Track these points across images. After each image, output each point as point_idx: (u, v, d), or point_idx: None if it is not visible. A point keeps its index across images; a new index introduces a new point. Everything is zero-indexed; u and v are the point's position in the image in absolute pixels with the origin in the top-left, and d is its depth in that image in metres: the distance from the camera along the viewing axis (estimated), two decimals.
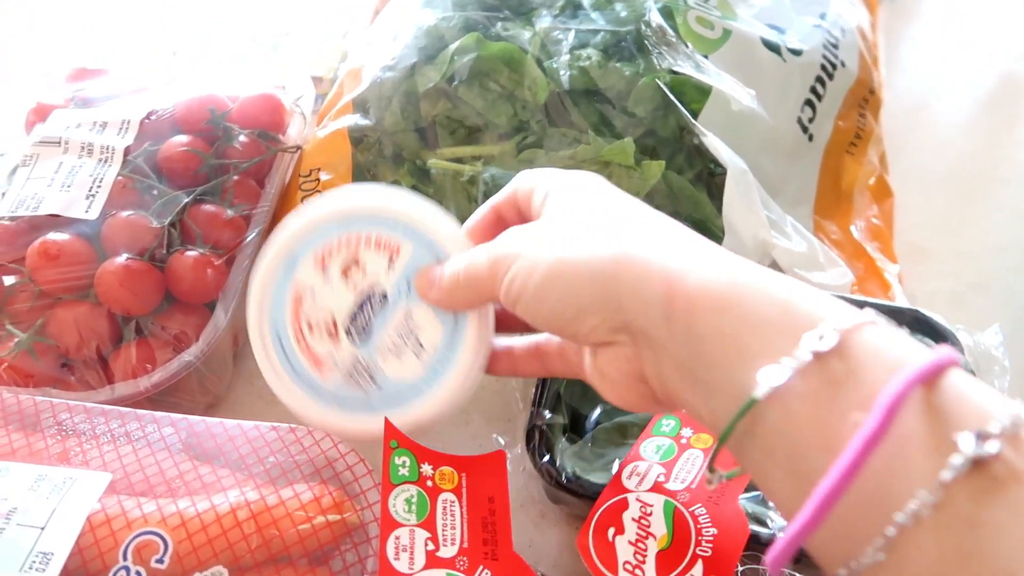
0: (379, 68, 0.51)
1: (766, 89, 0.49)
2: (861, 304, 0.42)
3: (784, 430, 0.22)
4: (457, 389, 0.34)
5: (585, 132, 0.47)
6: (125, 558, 0.32)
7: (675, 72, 0.47)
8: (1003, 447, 0.19)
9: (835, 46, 0.54)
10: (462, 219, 0.36)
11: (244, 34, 0.71)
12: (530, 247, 0.29)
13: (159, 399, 0.43)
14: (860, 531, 0.20)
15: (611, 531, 0.34)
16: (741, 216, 0.45)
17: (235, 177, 0.47)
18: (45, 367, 0.41)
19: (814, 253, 0.46)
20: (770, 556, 0.21)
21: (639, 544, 0.33)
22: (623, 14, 0.49)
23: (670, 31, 0.48)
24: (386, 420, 0.36)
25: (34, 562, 0.31)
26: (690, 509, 0.34)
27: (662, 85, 0.46)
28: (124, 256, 0.43)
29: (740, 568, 0.33)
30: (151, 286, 0.43)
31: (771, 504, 0.34)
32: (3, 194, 0.46)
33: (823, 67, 0.52)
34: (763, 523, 0.35)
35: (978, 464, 0.19)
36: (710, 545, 0.33)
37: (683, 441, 0.37)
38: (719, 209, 0.45)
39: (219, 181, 0.47)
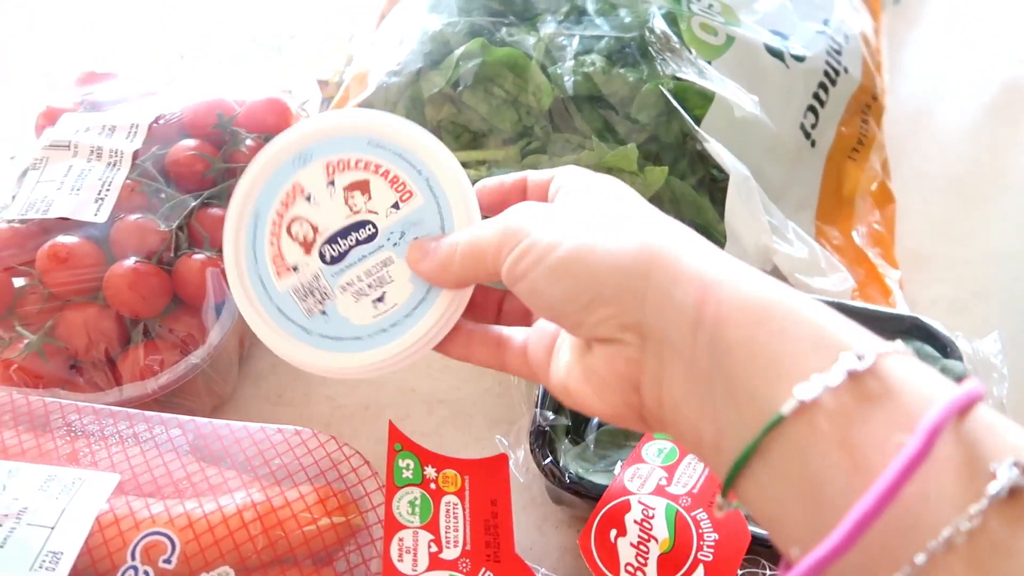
0: (385, 73, 0.51)
1: (769, 95, 0.50)
2: (861, 310, 0.42)
3: (806, 450, 0.21)
4: (395, 359, 0.32)
5: (589, 138, 0.47)
6: (133, 558, 0.32)
7: (678, 78, 0.47)
8: None
9: (838, 52, 0.54)
10: None
11: (245, 34, 0.71)
12: (548, 225, 0.27)
13: (166, 400, 0.44)
14: (887, 557, 0.20)
15: (613, 533, 0.34)
16: (743, 222, 0.45)
17: None
18: (54, 368, 0.42)
19: (815, 258, 0.46)
20: None
21: (641, 547, 0.33)
22: (627, 20, 0.49)
23: (674, 37, 0.48)
24: (390, 423, 0.36)
25: (44, 561, 0.31)
26: (692, 513, 0.34)
27: (665, 91, 0.46)
28: (132, 259, 0.43)
29: (741, 573, 0.34)
30: (159, 289, 0.43)
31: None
32: (13, 197, 0.46)
33: (826, 73, 0.53)
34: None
35: (1013, 493, 0.19)
36: (711, 550, 0.33)
37: None
38: (721, 215, 0.45)
39: (226, 185, 0.47)
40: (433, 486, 0.35)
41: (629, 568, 0.33)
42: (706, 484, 0.35)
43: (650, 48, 0.48)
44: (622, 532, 0.34)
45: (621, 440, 0.41)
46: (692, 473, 0.36)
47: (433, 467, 0.35)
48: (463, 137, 0.50)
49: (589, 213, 0.28)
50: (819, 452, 0.21)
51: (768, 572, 0.34)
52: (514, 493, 0.36)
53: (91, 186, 0.46)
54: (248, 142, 0.49)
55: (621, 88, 0.47)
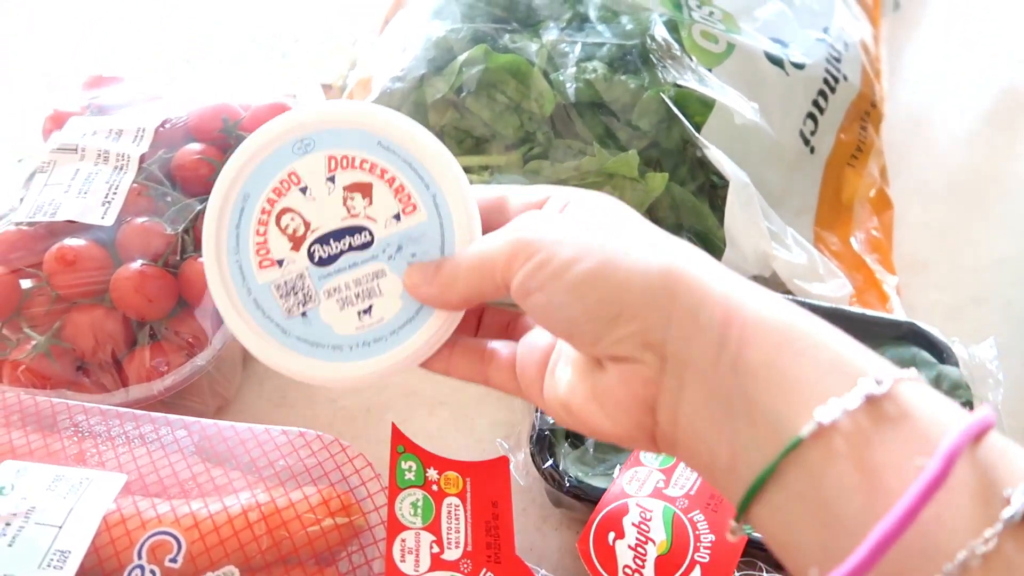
0: (388, 78, 0.52)
1: (769, 102, 0.50)
2: (859, 315, 0.43)
3: (822, 472, 0.21)
4: (374, 375, 0.31)
5: (590, 144, 0.48)
6: (140, 557, 0.33)
7: (679, 85, 0.47)
8: None
9: (838, 60, 0.54)
10: None
11: (245, 35, 0.72)
12: (565, 238, 0.26)
13: (171, 402, 0.44)
14: None
15: (611, 535, 0.34)
16: (743, 228, 0.46)
17: None
18: (61, 370, 0.42)
19: (814, 264, 0.47)
20: None
21: (639, 549, 0.34)
22: (629, 27, 0.50)
23: (675, 45, 0.49)
24: (393, 426, 0.37)
25: (52, 560, 0.32)
26: (689, 515, 0.35)
27: (666, 98, 0.47)
28: (139, 262, 0.44)
29: (737, 574, 0.34)
30: (165, 291, 0.44)
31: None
32: (21, 200, 0.47)
33: (825, 81, 0.53)
34: None
35: None
36: (708, 551, 0.34)
37: None
38: (721, 221, 0.46)
39: None
40: (435, 488, 0.35)
41: (627, 570, 0.33)
42: (703, 486, 0.36)
43: (651, 55, 0.49)
44: (620, 534, 0.34)
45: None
46: (689, 476, 0.36)
47: (435, 469, 0.36)
48: (466, 142, 0.50)
49: (606, 229, 0.27)
50: (836, 474, 0.21)
51: (764, 574, 0.35)
52: (514, 495, 0.37)
53: (98, 189, 0.46)
54: None
55: (622, 95, 0.48)
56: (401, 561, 0.33)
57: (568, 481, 0.38)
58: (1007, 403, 0.39)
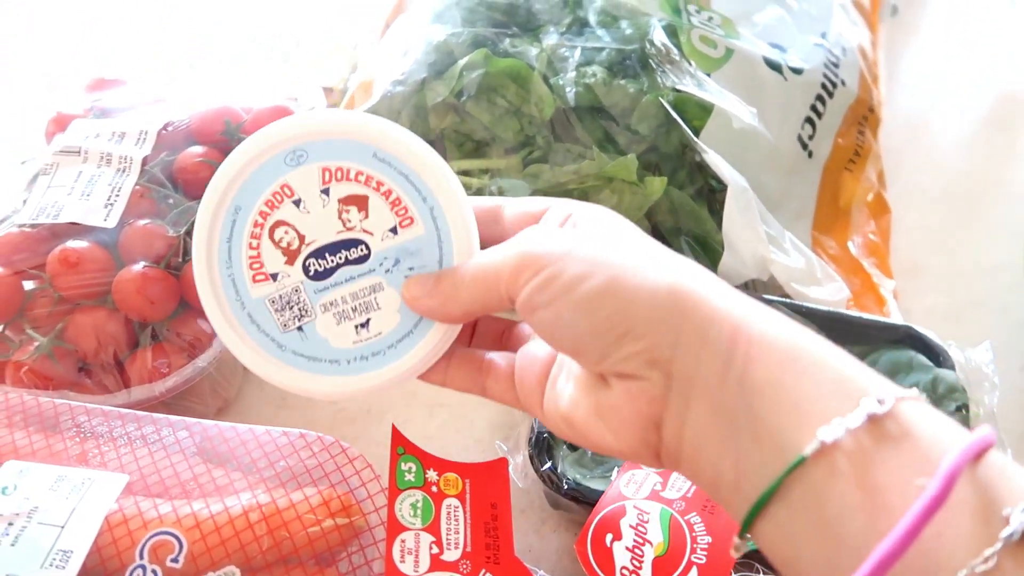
0: (390, 82, 0.52)
1: (767, 107, 0.50)
2: (856, 319, 0.43)
3: (825, 490, 0.21)
4: (372, 389, 0.31)
5: (589, 148, 0.48)
6: (141, 557, 0.33)
7: (678, 90, 0.48)
8: None
9: (836, 65, 0.55)
10: None
11: (245, 34, 0.72)
12: (573, 253, 0.26)
13: (172, 403, 0.45)
14: None
15: (609, 537, 0.35)
16: (741, 232, 0.46)
17: None
18: (64, 371, 0.43)
19: (811, 268, 0.47)
20: None
21: (636, 550, 0.34)
22: (628, 32, 0.50)
23: (674, 49, 0.49)
24: (393, 427, 0.37)
25: (54, 559, 0.32)
26: (685, 517, 0.35)
27: (665, 103, 0.47)
28: (141, 264, 0.44)
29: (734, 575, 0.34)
30: (167, 293, 0.44)
31: None
32: (24, 202, 0.47)
33: (823, 85, 0.53)
34: None
35: None
36: (705, 553, 0.34)
37: None
38: (719, 225, 0.46)
39: None
40: (435, 489, 0.36)
41: (624, 571, 0.34)
42: (699, 489, 0.36)
43: (650, 60, 0.49)
44: (618, 536, 0.35)
45: None
46: (686, 479, 0.37)
47: (435, 470, 0.36)
48: (466, 146, 0.51)
49: (612, 245, 0.27)
50: (838, 492, 0.21)
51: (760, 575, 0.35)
52: (513, 497, 0.37)
53: (101, 192, 0.47)
54: None
55: (622, 99, 0.48)
56: (401, 562, 0.33)
57: (566, 483, 0.38)
58: (1002, 406, 0.39)
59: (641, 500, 0.36)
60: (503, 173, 0.49)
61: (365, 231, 0.30)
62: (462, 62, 0.50)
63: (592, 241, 0.27)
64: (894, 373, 0.41)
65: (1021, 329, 0.49)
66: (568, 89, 0.48)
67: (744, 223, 0.46)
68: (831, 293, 0.47)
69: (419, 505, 0.35)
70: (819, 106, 0.53)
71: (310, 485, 0.36)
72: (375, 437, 0.46)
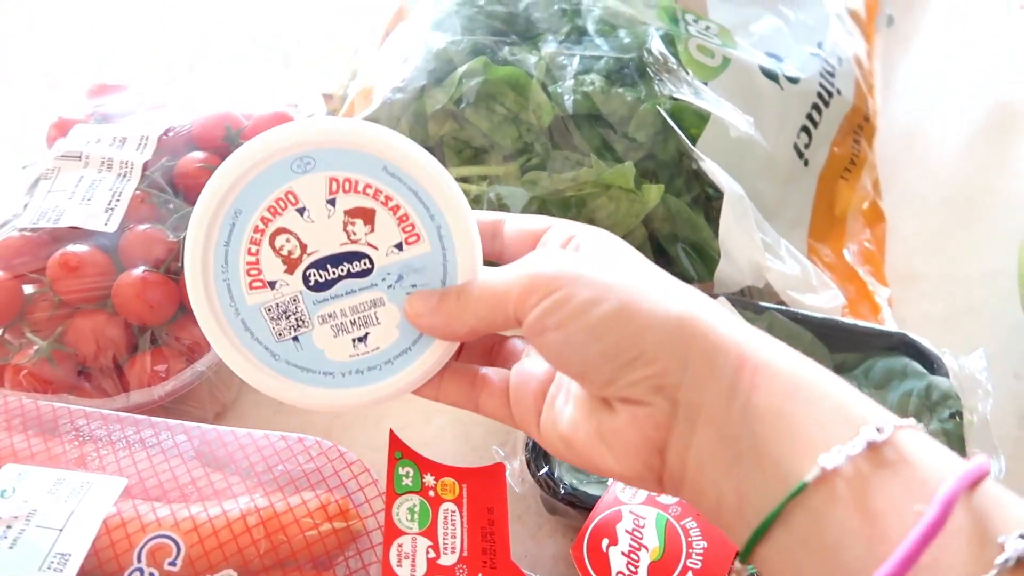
0: (389, 89, 0.52)
1: (764, 116, 0.51)
2: (851, 326, 0.43)
3: (825, 516, 0.22)
4: (367, 403, 0.31)
5: (587, 155, 0.48)
6: (139, 560, 0.33)
7: (675, 98, 0.48)
8: None
9: (831, 74, 0.55)
10: None
11: (245, 35, 0.72)
12: (584, 277, 0.26)
13: (171, 407, 0.45)
14: None
15: (605, 542, 0.35)
16: (737, 239, 0.46)
17: None
18: (63, 374, 0.43)
19: (807, 276, 0.47)
20: None
21: (632, 555, 0.34)
22: (626, 41, 0.51)
23: (671, 58, 0.50)
24: (391, 432, 0.37)
25: (52, 562, 0.32)
26: (681, 523, 0.35)
27: (662, 111, 0.48)
28: (141, 268, 0.44)
29: None
30: (166, 298, 0.44)
31: None
32: (25, 206, 0.47)
33: (819, 95, 0.54)
34: None
35: (1020, 563, 0.20)
36: (700, 558, 0.34)
37: None
38: (716, 232, 0.47)
39: None
40: (432, 494, 0.36)
41: None
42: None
43: (648, 69, 0.49)
44: (614, 541, 0.35)
45: None
46: None
47: (432, 475, 0.36)
48: (465, 153, 0.51)
49: (621, 270, 0.27)
50: (838, 518, 0.22)
51: None
52: (510, 502, 0.37)
53: (101, 196, 0.47)
54: None
55: (619, 107, 0.49)
56: (398, 566, 0.33)
57: (563, 488, 0.38)
58: (996, 413, 0.40)
59: (637, 505, 0.36)
60: (501, 180, 0.50)
61: (370, 245, 0.29)
62: (461, 69, 0.50)
63: (601, 265, 0.27)
64: (888, 380, 0.42)
65: (1015, 336, 0.49)
66: (566, 97, 0.49)
67: (740, 231, 0.46)
68: (826, 300, 0.47)
69: (416, 509, 0.35)
70: (815, 115, 0.54)
71: (308, 489, 0.37)
72: (373, 442, 0.47)
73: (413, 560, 0.34)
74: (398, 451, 0.37)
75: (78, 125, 0.52)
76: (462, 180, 0.50)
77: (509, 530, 0.36)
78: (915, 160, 0.60)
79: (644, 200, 0.47)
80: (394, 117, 0.52)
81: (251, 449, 0.38)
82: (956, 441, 0.39)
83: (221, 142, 0.50)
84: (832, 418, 0.23)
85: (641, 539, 0.35)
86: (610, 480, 0.38)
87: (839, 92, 0.55)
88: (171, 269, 0.45)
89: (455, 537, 0.35)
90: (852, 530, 0.21)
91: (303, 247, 0.29)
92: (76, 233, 0.46)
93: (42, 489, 0.35)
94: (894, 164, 0.59)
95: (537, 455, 0.40)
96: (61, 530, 0.33)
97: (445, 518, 0.35)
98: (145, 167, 0.48)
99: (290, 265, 0.29)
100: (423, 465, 0.37)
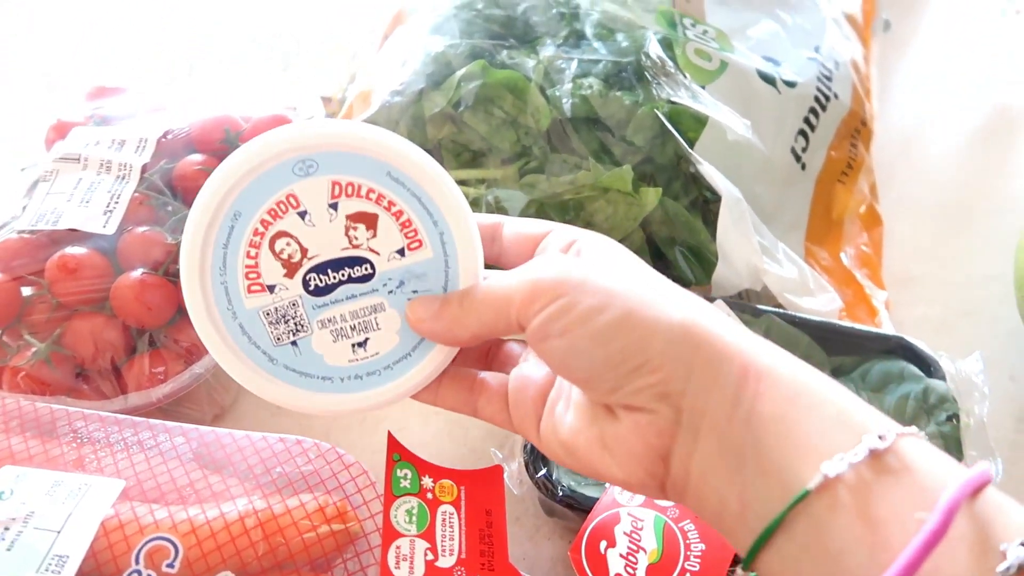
0: (388, 92, 0.52)
1: (761, 119, 0.51)
2: (848, 329, 0.44)
3: (828, 523, 0.22)
4: (365, 408, 0.31)
5: (585, 158, 0.48)
6: (137, 562, 0.33)
7: (673, 102, 0.48)
8: None
9: (829, 78, 0.55)
10: None
11: (244, 35, 0.72)
12: (589, 283, 0.26)
13: (169, 409, 0.45)
14: None
15: (603, 544, 0.35)
16: (734, 242, 0.46)
17: None
18: (61, 376, 0.43)
19: (804, 279, 0.47)
20: None
21: (630, 557, 0.34)
22: (624, 45, 0.51)
23: (669, 62, 0.50)
24: (389, 434, 0.37)
25: (50, 564, 0.32)
26: (679, 525, 0.35)
27: (660, 115, 0.48)
28: (139, 270, 0.44)
29: None
30: (165, 300, 0.44)
31: None
32: (24, 208, 0.47)
33: (817, 99, 0.54)
34: None
35: (1021, 570, 0.20)
36: (698, 560, 0.34)
37: None
38: (713, 235, 0.47)
39: None
40: (430, 496, 0.36)
41: None
42: None
43: (646, 72, 0.49)
44: (612, 543, 0.35)
45: None
46: None
47: (430, 477, 0.36)
48: (463, 156, 0.51)
49: (625, 277, 0.27)
50: (840, 525, 0.22)
51: None
52: (508, 504, 0.37)
53: (100, 199, 0.47)
54: None
55: (617, 111, 0.49)
56: (396, 568, 0.33)
57: (561, 490, 0.38)
58: (993, 416, 0.40)
59: (635, 507, 0.36)
60: (500, 183, 0.50)
61: (372, 250, 0.29)
62: (460, 73, 0.50)
63: (605, 272, 0.27)
64: (886, 383, 0.42)
65: (1011, 339, 0.50)
66: (564, 100, 0.49)
67: (738, 234, 0.46)
68: (824, 304, 0.47)
69: (414, 512, 0.35)
70: (812, 119, 0.54)
71: (306, 491, 0.37)
72: (371, 444, 0.47)
73: (411, 562, 0.34)
74: (396, 453, 0.37)
75: (77, 127, 0.52)
76: (460, 183, 0.50)
77: (507, 532, 0.36)
78: (912, 164, 0.61)
79: (642, 203, 0.47)
80: (392, 120, 0.52)
81: (249, 451, 0.38)
82: (953, 444, 0.39)
83: (220, 145, 0.50)
84: (834, 425, 0.23)
85: (639, 541, 0.35)
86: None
87: (836, 96, 0.55)
88: (169, 271, 0.45)
89: (453, 539, 0.35)
90: (854, 537, 0.22)
91: (304, 251, 0.29)
92: (74, 235, 0.46)
93: (40, 491, 0.35)
94: (891, 168, 0.59)
95: (535, 457, 0.40)
96: (59, 532, 0.33)
97: (443, 520, 0.35)
98: (144, 169, 0.48)
99: (290, 269, 0.29)
100: (421, 467, 0.37)
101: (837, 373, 0.43)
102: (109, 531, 0.34)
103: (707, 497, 0.25)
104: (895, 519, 0.21)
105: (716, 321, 0.26)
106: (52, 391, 0.43)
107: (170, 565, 0.33)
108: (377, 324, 0.30)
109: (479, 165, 0.51)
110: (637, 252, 0.39)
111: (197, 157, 0.49)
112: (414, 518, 0.35)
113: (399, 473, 0.36)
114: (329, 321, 0.30)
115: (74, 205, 0.47)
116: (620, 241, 0.30)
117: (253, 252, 0.29)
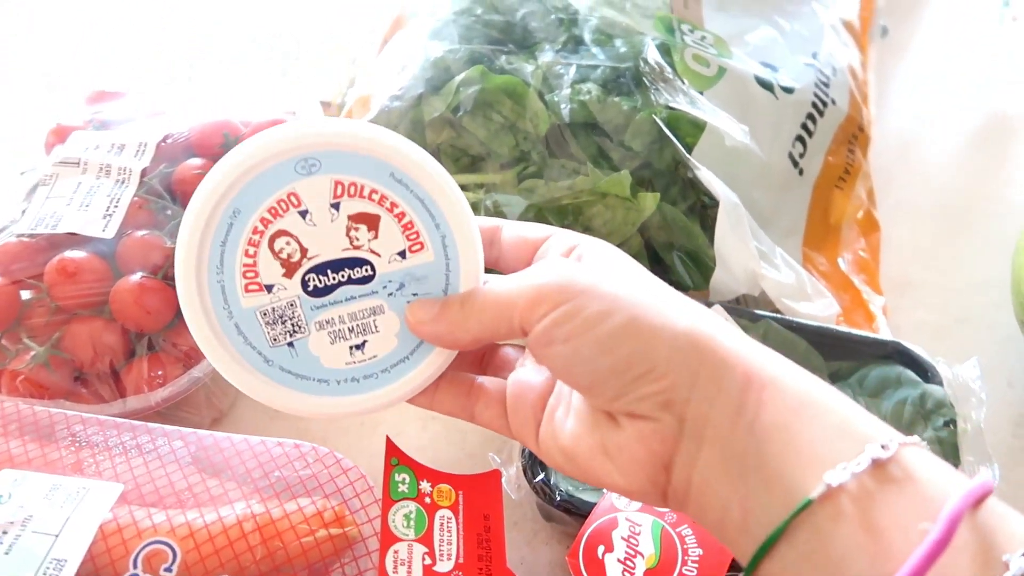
0: (387, 97, 0.53)
1: (759, 125, 0.51)
2: (846, 335, 0.44)
3: (831, 533, 0.22)
4: (361, 412, 0.31)
5: (584, 164, 0.49)
6: (135, 566, 0.33)
7: (671, 107, 0.49)
8: None
9: (826, 84, 0.56)
10: None
11: (244, 35, 0.73)
12: (594, 289, 0.26)
13: (167, 413, 0.45)
14: None
15: (601, 549, 0.35)
16: (732, 247, 0.46)
17: None
18: (60, 380, 0.43)
19: (802, 284, 0.48)
20: None
21: (628, 562, 0.34)
22: (622, 50, 0.51)
23: (667, 68, 0.50)
24: (387, 438, 0.38)
25: (48, 568, 0.32)
26: (677, 529, 0.35)
27: (658, 120, 0.48)
28: (138, 274, 0.44)
29: None
30: (163, 304, 0.44)
31: None
32: (23, 212, 0.47)
33: (814, 104, 0.54)
34: None
35: None
36: (696, 565, 0.34)
37: None
38: (711, 240, 0.47)
39: None
40: (428, 500, 0.36)
41: None
42: None
43: (644, 78, 0.50)
44: (609, 548, 0.35)
45: None
46: None
47: (428, 482, 0.36)
48: (462, 160, 0.51)
49: (630, 283, 0.27)
50: (843, 535, 0.22)
51: None
52: (506, 509, 0.37)
53: (99, 202, 0.47)
54: None
55: (616, 116, 0.49)
56: (394, 572, 0.33)
57: (559, 495, 0.38)
58: (990, 422, 0.40)
59: (633, 512, 0.36)
60: (498, 188, 0.50)
61: (372, 252, 0.29)
62: (459, 78, 0.50)
63: (608, 277, 0.27)
64: (883, 388, 0.42)
65: (1008, 345, 0.50)
66: (563, 106, 0.49)
67: (736, 239, 0.46)
68: (821, 309, 0.47)
69: (412, 516, 0.35)
70: (810, 124, 0.54)
71: (304, 495, 0.37)
72: (369, 448, 0.47)
73: (409, 567, 0.34)
74: (394, 457, 0.37)
75: (76, 132, 0.52)
76: (459, 188, 0.50)
77: (505, 537, 0.36)
78: (909, 169, 0.61)
79: (640, 208, 0.47)
80: (392, 125, 0.52)
81: (247, 455, 0.38)
82: (950, 449, 0.39)
83: (219, 149, 0.50)
84: (837, 435, 0.23)
85: (637, 546, 0.35)
86: None
87: (834, 102, 0.56)
88: (168, 275, 0.45)
89: (451, 544, 0.35)
90: (857, 547, 0.22)
91: (303, 251, 0.29)
92: (74, 239, 0.46)
93: (38, 495, 0.35)
94: (888, 173, 0.60)
95: (533, 462, 0.40)
96: (57, 536, 0.33)
97: (441, 525, 0.35)
98: (143, 174, 0.48)
99: (289, 269, 0.29)
100: (419, 472, 0.37)
101: (834, 378, 0.43)
102: (107, 535, 0.34)
103: (709, 505, 0.25)
104: (897, 529, 0.21)
105: (720, 329, 0.26)
106: (51, 395, 0.43)
107: (168, 569, 0.33)
108: (376, 326, 0.30)
109: (478, 170, 0.51)
110: (635, 257, 0.39)
111: (196, 161, 0.50)
112: (412, 523, 0.35)
113: (397, 477, 0.36)
114: (327, 323, 0.29)
115: (73, 209, 0.47)
116: (618, 246, 0.30)
117: (252, 251, 0.28)
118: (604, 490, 0.38)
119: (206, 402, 0.47)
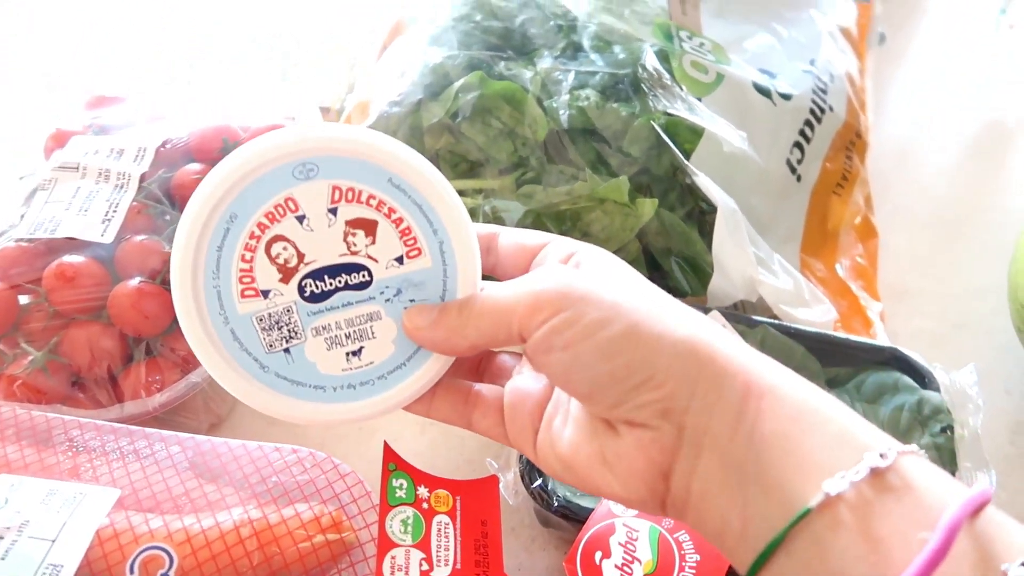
0: (386, 103, 0.53)
1: (757, 131, 0.51)
2: (843, 341, 0.44)
3: (829, 542, 0.22)
4: (358, 419, 0.30)
5: (582, 169, 0.49)
6: (132, 572, 0.33)
7: (669, 114, 0.49)
8: None
9: (824, 91, 0.56)
10: None
11: (244, 35, 0.73)
12: (593, 296, 0.26)
13: (165, 418, 0.45)
14: None
15: (598, 555, 0.35)
16: (730, 253, 0.47)
17: None
18: (57, 385, 0.43)
19: (799, 290, 0.48)
20: None
21: (625, 568, 0.34)
22: (621, 57, 0.51)
23: (665, 74, 0.50)
24: (385, 443, 0.38)
25: (44, 573, 0.32)
26: (674, 535, 0.35)
27: (657, 126, 0.48)
28: (137, 279, 0.44)
29: None
30: (162, 308, 0.44)
31: None
32: (22, 216, 0.48)
33: (812, 111, 0.55)
34: None
35: None
36: (693, 571, 0.34)
37: None
38: (709, 246, 0.47)
39: None
40: (425, 506, 0.36)
41: None
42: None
43: (643, 84, 0.50)
44: (607, 554, 0.35)
45: None
46: None
47: (426, 487, 0.36)
48: (460, 166, 0.51)
49: (629, 290, 0.27)
50: (842, 543, 0.22)
51: None
52: (504, 515, 0.37)
53: (98, 207, 0.47)
54: None
55: (614, 122, 0.49)
56: None
57: (556, 500, 0.38)
58: (987, 428, 0.40)
59: (631, 518, 0.36)
60: (497, 193, 0.50)
61: (370, 257, 0.29)
62: (458, 84, 0.51)
63: (608, 285, 0.26)
64: (880, 395, 0.42)
65: (1005, 352, 0.50)
66: (561, 112, 0.49)
67: (733, 245, 0.46)
68: (819, 315, 0.47)
69: (410, 522, 0.35)
70: (807, 131, 0.54)
71: (301, 501, 0.37)
72: (366, 453, 0.47)
73: (406, 572, 0.34)
74: (392, 463, 0.37)
75: (75, 136, 0.52)
76: (458, 193, 0.50)
77: (503, 543, 0.36)
78: (907, 176, 0.61)
79: (638, 214, 0.47)
80: (391, 131, 0.52)
81: (245, 460, 0.38)
82: (947, 456, 0.39)
83: (218, 154, 0.50)
84: (836, 444, 0.23)
85: (634, 552, 0.35)
86: None
87: (831, 108, 0.56)
88: (167, 280, 0.45)
89: (448, 549, 0.35)
90: (855, 556, 0.22)
91: (300, 256, 0.28)
92: (72, 244, 0.46)
93: (35, 500, 0.35)
94: (886, 180, 0.60)
95: (531, 468, 0.40)
96: (54, 541, 0.33)
97: (439, 530, 0.35)
98: (142, 178, 0.49)
99: (286, 274, 0.28)
100: (417, 477, 0.37)
101: (832, 384, 0.43)
102: (104, 540, 0.34)
103: (708, 514, 0.25)
104: (896, 537, 0.21)
105: (719, 337, 0.26)
106: (48, 399, 0.43)
107: (165, 574, 0.33)
108: (372, 333, 0.29)
109: (476, 175, 0.51)
110: (633, 263, 0.39)
111: (195, 166, 0.50)
112: (409, 528, 0.35)
113: (395, 483, 0.36)
114: (324, 328, 0.29)
115: (72, 214, 0.47)
116: (616, 252, 0.30)
117: (248, 256, 0.28)
118: None
119: (204, 407, 0.47)
